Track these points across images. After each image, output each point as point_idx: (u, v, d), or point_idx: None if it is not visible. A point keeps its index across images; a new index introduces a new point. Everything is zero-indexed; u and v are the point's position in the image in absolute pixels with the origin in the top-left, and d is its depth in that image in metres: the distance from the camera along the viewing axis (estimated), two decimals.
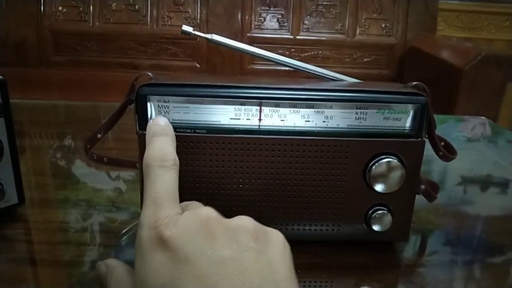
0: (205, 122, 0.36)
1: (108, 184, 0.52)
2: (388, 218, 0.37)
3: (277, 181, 0.37)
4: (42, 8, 1.74)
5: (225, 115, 0.36)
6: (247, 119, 0.36)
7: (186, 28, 0.38)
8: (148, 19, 1.79)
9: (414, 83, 0.37)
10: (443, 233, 0.45)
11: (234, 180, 0.37)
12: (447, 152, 0.40)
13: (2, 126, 0.40)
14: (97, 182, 0.52)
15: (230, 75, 1.83)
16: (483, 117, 0.82)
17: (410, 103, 0.35)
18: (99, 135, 0.39)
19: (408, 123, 0.36)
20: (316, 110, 0.36)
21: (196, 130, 0.36)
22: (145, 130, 0.35)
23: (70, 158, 0.59)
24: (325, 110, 0.36)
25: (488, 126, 0.80)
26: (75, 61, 1.79)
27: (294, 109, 0.36)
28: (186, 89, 0.35)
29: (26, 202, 0.43)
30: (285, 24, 1.85)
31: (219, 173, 0.36)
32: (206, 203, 0.36)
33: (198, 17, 1.81)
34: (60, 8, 1.75)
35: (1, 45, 1.74)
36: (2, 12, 1.73)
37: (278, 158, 0.36)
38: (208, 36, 0.38)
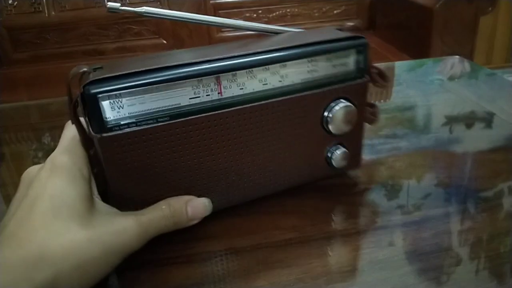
0: (165, 108, 0.33)
1: None
2: (347, 154, 0.40)
3: (247, 148, 0.37)
4: None
5: (184, 96, 0.33)
6: (207, 95, 0.34)
7: (112, 4, 0.33)
8: (105, 0, 1.71)
9: (350, 24, 0.38)
10: (433, 176, 0.44)
11: (207, 158, 0.35)
12: (382, 79, 0.41)
13: None
14: None
15: None
16: (456, 56, 0.80)
17: (354, 47, 0.37)
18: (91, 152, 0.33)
19: (354, 66, 0.38)
20: (272, 71, 0.35)
21: (158, 119, 0.33)
22: (103, 133, 0.31)
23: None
24: (280, 69, 0.35)
25: (467, 63, 0.78)
26: (37, 56, 1.72)
27: (251, 75, 0.35)
28: (137, 78, 0.31)
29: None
30: None
31: (190, 155, 0.35)
32: (184, 188, 0.36)
33: None
34: (10, 1, 1.67)
35: None
36: None
37: (246, 126, 0.35)
38: (139, 9, 0.34)
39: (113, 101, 0.31)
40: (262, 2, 1.79)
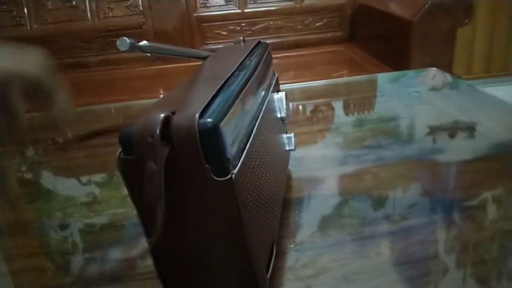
0: (254, 115, 0.32)
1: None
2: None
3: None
4: None
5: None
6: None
7: (123, 41, 0.29)
8: (89, 14, 1.71)
9: (240, 39, 0.44)
10: (417, 186, 0.44)
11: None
12: None
13: None
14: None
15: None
16: (433, 68, 0.82)
17: (266, 48, 0.43)
18: None
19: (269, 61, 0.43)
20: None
21: (252, 130, 0.30)
22: (231, 171, 0.24)
23: (37, 171, 0.56)
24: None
25: (445, 74, 0.80)
26: None
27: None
28: (229, 94, 0.27)
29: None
30: None
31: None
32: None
33: (140, 4, 1.74)
34: None
35: None
36: None
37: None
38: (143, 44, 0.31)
39: (228, 127, 0.25)
40: (245, 14, 1.81)
